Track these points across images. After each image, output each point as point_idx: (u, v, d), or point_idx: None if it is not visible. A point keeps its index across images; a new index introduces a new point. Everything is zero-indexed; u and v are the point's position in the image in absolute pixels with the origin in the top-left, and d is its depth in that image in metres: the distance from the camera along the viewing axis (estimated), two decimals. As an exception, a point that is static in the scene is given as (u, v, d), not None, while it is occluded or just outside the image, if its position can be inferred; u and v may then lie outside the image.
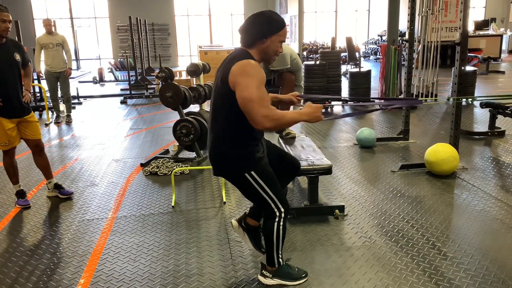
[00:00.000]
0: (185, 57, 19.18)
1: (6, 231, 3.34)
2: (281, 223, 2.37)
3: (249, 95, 2.05)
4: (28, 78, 3.81)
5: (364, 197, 3.80)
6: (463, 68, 4.25)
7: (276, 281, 2.50)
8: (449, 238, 3.03)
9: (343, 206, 3.48)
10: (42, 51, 6.95)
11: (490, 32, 14.89)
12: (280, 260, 2.49)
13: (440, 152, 4.19)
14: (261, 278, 2.53)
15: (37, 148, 3.83)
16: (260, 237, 2.65)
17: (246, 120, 2.17)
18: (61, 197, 3.94)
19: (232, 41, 18.98)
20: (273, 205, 2.35)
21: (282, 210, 2.36)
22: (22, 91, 3.66)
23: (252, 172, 2.27)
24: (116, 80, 13.60)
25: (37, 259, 2.91)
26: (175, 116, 7.08)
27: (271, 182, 2.33)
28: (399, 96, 7.80)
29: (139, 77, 11.63)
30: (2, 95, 3.48)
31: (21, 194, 3.81)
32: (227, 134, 2.26)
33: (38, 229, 3.37)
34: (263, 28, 2.19)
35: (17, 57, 3.58)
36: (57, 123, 7.30)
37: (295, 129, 6.12)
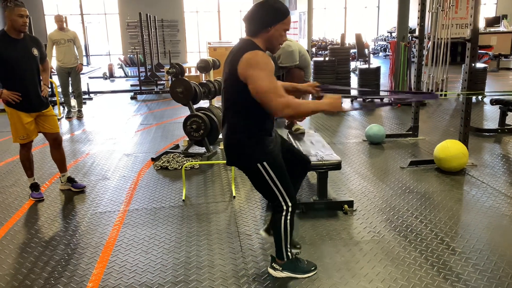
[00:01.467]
0: (194, 53, 19.24)
1: (21, 223, 3.41)
2: (288, 217, 2.40)
3: (263, 86, 2.08)
4: (46, 73, 3.88)
5: (373, 193, 3.82)
6: (473, 65, 4.24)
7: (285, 274, 2.54)
8: (457, 233, 3.04)
9: (352, 201, 3.51)
10: (54, 47, 7.04)
11: (501, 29, 14.74)
12: (289, 253, 2.51)
13: (450, 149, 4.19)
14: (271, 271, 2.57)
15: (56, 142, 3.90)
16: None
17: (256, 109, 2.21)
18: (73, 190, 4.01)
19: (241, 37, 18.98)
20: (281, 198, 2.37)
21: (290, 204, 2.39)
22: (41, 86, 3.73)
23: (264, 163, 2.29)
24: (126, 76, 13.70)
25: (52, 250, 2.97)
26: (184, 112, 7.14)
27: (282, 175, 2.36)
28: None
29: (148, 73, 11.70)
30: (20, 90, 3.55)
31: (35, 187, 3.88)
32: (239, 123, 2.29)
33: (52, 221, 3.44)
34: (267, 16, 2.19)
35: (35, 52, 3.63)
36: (68, 118, 7.39)
37: (304, 125, 6.15)
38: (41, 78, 3.77)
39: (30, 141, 3.76)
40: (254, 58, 2.12)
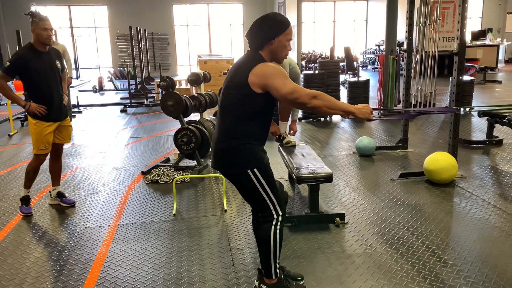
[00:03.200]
0: (184, 66, 19.28)
1: (9, 239, 3.35)
2: (278, 228, 2.35)
3: (286, 90, 2.16)
4: (64, 82, 3.99)
5: (364, 205, 3.82)
6: (461, 77, 4.31)
7: None
8: (448, 245, 3.06)
9: (344, 214, 3.51)
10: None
11: (487, 42, 15.03)
12: (278, 271, 2.43)
13: (439, 161, 4.23)
14: None
15: (58, 152, 3.97)
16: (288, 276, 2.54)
17: (257, 118, 2.29)
18: (62, 205, 3.97)
19: (231, 50, 19.10)
20: (271, 207, 2.34)
21: (280, 213, 2.36)
22: (62, 96, 3.83)
23: (255, 170, 2.28)
24: (116, 89, 13.66)
25: (40, 266, 2.92)
26: (174, 125, 7.13)
27: (272, 183, 2.34)
28: (398, 106, 7.86)
29: (138, 86, 11.69)
30: (46, 100, 3.65)
31: (26, 201, 3.84)
32: (237, 130, 2.29)
33: (40, 236, 3.39)
34: (270, 29, 2.26)
35: (58, 64, 3.76)
36: (57, 131, 7.32)
37: (295, 137, 6.16)
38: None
39: (47, 154, 3.81)
40: (267, 70, 2.20)
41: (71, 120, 7.48)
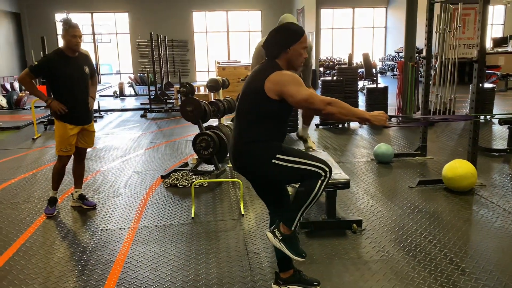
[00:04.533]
0: (203, 72, 19.46)
1: (33, 239, 3.45)
2: (325, 183, 2.32)
3: (302, 96, 2.23)
4: (94, 87, 4.11)
5: (381, 212, 3.82)
6: (480, 85, 4.27)
7: (281, 246, 2.40)
8: (467, 253, 3.03)
9: (361, 220, 3.51)
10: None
11: (509, 49, 14.78)
12: (298, 225, 2.40)
13: (458, 169, 4.19)
14: (269, 235, 2.44)
15: (81, 156, 4.11)
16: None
17: (271, 124, 2.35)
18: (84, 208, 4.06)
19: (249, 57, 19.22)
20: (315, 169, 2.30)
21: (327, 169, 2.32)
22: (88, 101, 3.95)
23: (278, 155, 2.30)
24: (136, 94, 13.88)
25: (63, 266, 3.01)
26: (193, 130, 7.21)
27: (301, 154, 2.36)
28: (417, 113, 7.80)
29: (158, 92, 11.86)
30: (70, 104, 3.77)
31: (52, 201, 3.96)
32: (252, 134, 2.35)
33: (63, 237, 3.49)
34: (285, 39, 2.34)
35: (86, 70, 3.88)
36: (79, 135, 7.49)
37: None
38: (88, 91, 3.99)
39: (69, 156, 3.92)
40: (282, 77, 2.27)
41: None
